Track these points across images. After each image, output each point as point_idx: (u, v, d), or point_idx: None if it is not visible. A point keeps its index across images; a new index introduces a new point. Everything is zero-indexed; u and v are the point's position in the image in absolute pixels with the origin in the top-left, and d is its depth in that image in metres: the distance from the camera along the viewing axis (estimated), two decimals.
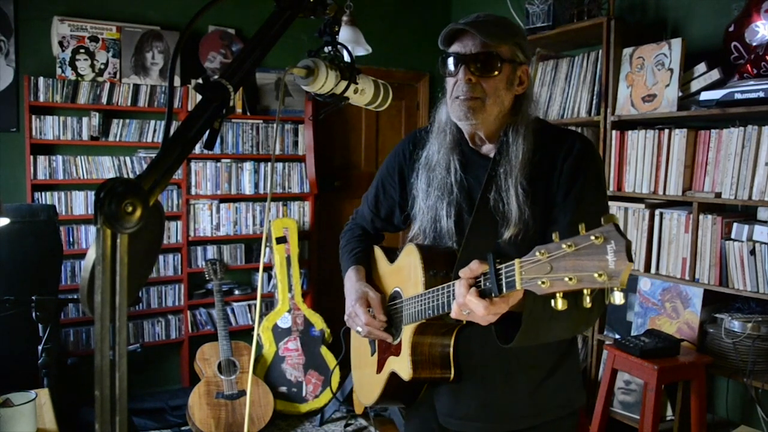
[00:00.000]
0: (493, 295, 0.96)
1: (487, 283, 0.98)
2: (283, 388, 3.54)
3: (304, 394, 3.57)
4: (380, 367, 1.43)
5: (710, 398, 2.53)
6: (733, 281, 2.33)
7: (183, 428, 3.27)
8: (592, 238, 0.79)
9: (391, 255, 1.49)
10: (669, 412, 2.59)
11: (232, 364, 3.28)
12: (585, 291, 0.81)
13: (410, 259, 1.33)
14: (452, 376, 1.29)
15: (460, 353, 1.29)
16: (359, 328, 1.41)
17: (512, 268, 0.92)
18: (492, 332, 1.10)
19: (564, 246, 0.82)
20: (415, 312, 1.27)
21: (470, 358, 1.29)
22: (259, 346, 3.60)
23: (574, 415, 1.36)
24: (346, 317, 1.46)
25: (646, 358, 2.26)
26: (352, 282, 1.48)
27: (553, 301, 0.85)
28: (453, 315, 1.06)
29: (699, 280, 2.44)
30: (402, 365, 1.31)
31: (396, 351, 1.36)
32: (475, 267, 1.01)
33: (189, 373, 3.65)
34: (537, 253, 0.87)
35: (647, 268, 2.65)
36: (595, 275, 0.78)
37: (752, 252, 2.26)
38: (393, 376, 1.36)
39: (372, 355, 1.49)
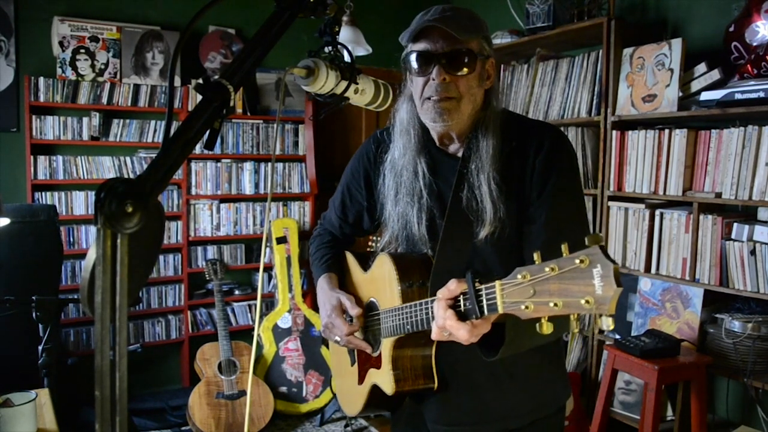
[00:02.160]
0: (474, 317, 0.92)
1: (467, 304, 0.93)
2: (284, 388, 3.54)
3: (304, 394, 3.57)
4: (361, 379, 1.40)
5: (710, 398, 2.53)
6: (734, 281, 2.33)
7: (183, 428, 3.28)
8: (577, 261, 0.75)
9: (364, 261, 1.44)
10: (669, 412, 2.59)
11: (232, 364, 3.28)
12: (572, 316, 0.78)
13: (384, 269, 1.28)
14: (436, 385, 1.26)
15: (443, 361, 1.26)
16: (338, 338, 1.36)
17: (492, 290, 0.88)
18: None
19: (547, 269, 0.79)
20: (393, 326, 1.22)
21: (454, 366, 1.26)
22: (260, 346, 3.60)
23: (562, 410, 1.35)
24: (322, 329, 1.40)
25: (646, 358, 2.26)
26: (324, 291, 1.42)
27: (538, 326, 0.81)
28: (433, 337, 1.01)
29: (699, 281, 2.44)
30: (384, 379, 1.27)
31: (376, 363, 1.32)
32: (453, 287, 0.95)
33: (189, 373, 3.65)
34: (519, 276, 0.83)
35: (647, 269, 2.65)
36: (582, 301, 0.75)
37: (752, 252, 2.26)
38: (375, 388, 1.32)
39: (352, 365, 1.45)
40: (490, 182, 1.17)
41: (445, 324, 0.95)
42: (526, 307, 0.81)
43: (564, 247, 0.78)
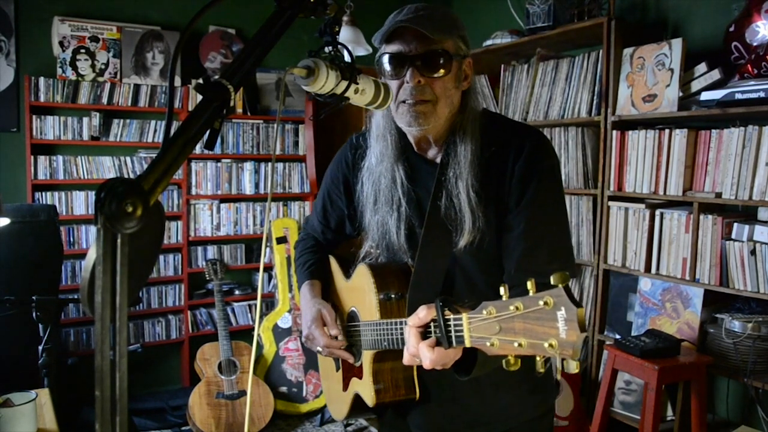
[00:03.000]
0: (444, 346, 0.91)
1: (437, 332, 0.92)
2: (284, 388, 3.54)
3: (304, 394, 3.57)
4: (345, 386, 1.39)
5: (710, 398, 2.53)
6: (734, 281, 2.33)
7: (183, 428, 3.28)
8: (541, 303, 0.74)
9: (348, 268, 1.41)
10: (669, 412, 2.59)
11: (232, 364, 3.28)
12: (537, 357, 0.76)
13: (363, 280, 1.26)
14: (418, 396, 1.24)
15: (426, 372, 1.22)
16: (319, 349, 1.34)
17: (460, 322, 0.86)
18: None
19: (512, 307, 0.77)
20: (371, 340, 1.20)
21: (436, 376, 1.20)
22: (260, 346, 3.60)
23: (550, 412, 1.33)
24: (303, 339, 1.38)
25: (646, 358, 2.26)
26: (306, 300, 1.40)
27: (504, 362, 0.80)
28: (405, 362, 0.99)
29: (699, 281, 2.44)
30: (365, 391, 1.26)
31: (358, 373, 1.30)
32: (422, 315, 0.93)
33: (189, 373, 3.65)
34: (484, 311, 0.81)
35: (647, 269, 2.65)
36: (546, 345, 0.74)
37: (752, 252, 2.25)
38: (358, 396, 1.31)
39: (337, 371, 1.44)
40: (468, 190, 1.13)
41: (418, 353, 0.94)
42: (492, 344, 0.80)
43: (530, 284, 0.76)
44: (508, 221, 1.15)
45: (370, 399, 1.23)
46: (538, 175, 1.14)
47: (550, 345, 0.73)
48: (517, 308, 0.77)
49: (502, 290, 0.80)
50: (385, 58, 1.14)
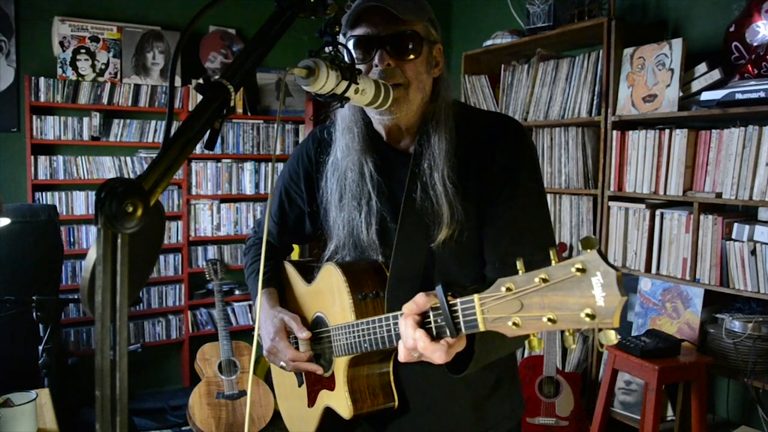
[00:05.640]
0: (448, 335, 0.82)
1: (439, 320, 0.83)
2: None
3: None
4: (312, 401, 1.29)
5: (711, 398, 2.53)
6: (734, 281, 2.33)
7: (183, 428, 3.28)
8: (573, 269, 0.65)
9: (306, 272, 1.33)
10: (669, 412, 2.59)
11: (232, 364, 3.28)
12: (567, 332, 0.69)
13: (332, 280, 1.17)
14: (397, 403, 1.17)
15: (401, 377, 1.17)
16: (283, 364, 1.25)
17: (470, 305, 0.78)
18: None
19: (537, 279, 0.69)
20: (347, 344, 1.11)
21: (412, 381, 1.17)
22: (260, 346, 3.59)
23: (519, 425, 1.29)
24: (265, 353, 1.28)
25: (646, 358, 2.26)
26: (265, 310, 1.30)
27: (527, 342, 0.74)
28: (401, 358, 0.90)
29: (699, 281, 2.44)
30: (339, 402, 1.16)
31: (329, 385, 1.21)
32: (421, 301, 0.85)
33: (189, 373, 3.66)
34: (502, 288, 0.73)
35: (648, 269, 2.65)
36: (582, 315, 0.65)
37: (753, 252, 2.25)
38: (329, 410, 1.22)
39: (300, 386, 1.34)
40: (445, 181, 1.08)
41: (416, 345, 0.85)
42: (514, 324, 0.72)
43: (552, 253, 0.69)
44: (491, 212, 1.11)
45: (346, 410, 1.14)
46: (521, 166, 1.11)
47: (587, 315, 0.65)
48: (543, 279, 0.69)
49: (518, 264, 0.72)
50: (352, 42, 1.08)
